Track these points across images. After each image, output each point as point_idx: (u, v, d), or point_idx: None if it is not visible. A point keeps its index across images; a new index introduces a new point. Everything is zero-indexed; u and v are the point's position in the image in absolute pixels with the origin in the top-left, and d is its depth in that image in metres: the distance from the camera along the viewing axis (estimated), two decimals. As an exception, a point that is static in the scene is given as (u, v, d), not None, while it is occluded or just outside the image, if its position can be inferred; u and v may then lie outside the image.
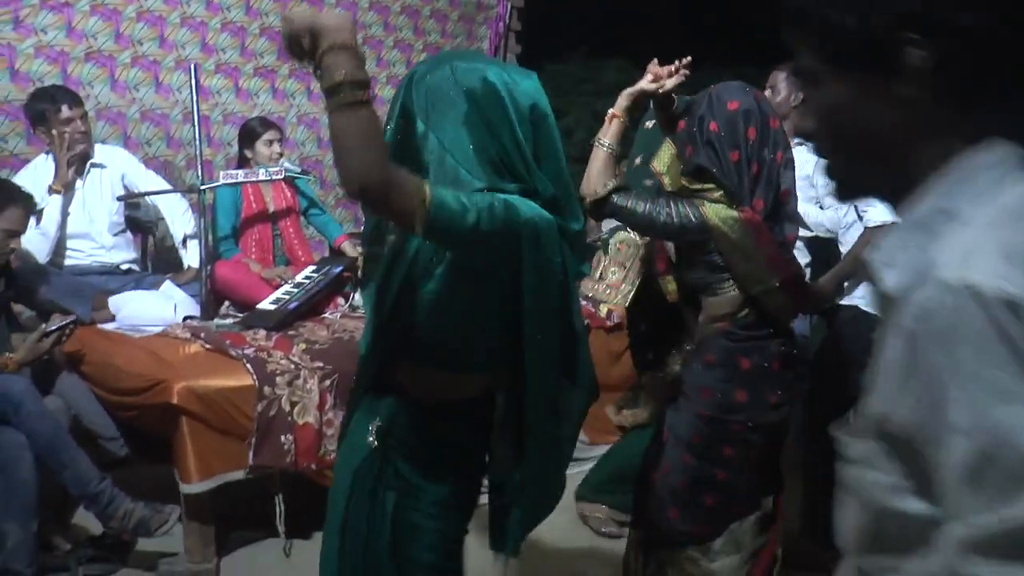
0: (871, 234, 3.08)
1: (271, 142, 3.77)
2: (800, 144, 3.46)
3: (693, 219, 2.25)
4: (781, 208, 2.38)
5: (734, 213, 2.25)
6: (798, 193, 3.20)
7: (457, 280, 1.69)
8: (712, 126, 2.27)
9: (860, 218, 3.21)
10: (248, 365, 3.09)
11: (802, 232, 3.40)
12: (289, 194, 3.81)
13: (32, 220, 3.19)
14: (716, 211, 2.25)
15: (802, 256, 3.40)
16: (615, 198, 2.30)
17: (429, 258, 1.68)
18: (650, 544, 2.53)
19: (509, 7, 5.91)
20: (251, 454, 3.02)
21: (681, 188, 2.34)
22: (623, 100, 2.38)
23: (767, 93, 3.46)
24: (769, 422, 2.39)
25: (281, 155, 3.81)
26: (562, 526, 3.09)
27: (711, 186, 2.28)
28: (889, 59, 0.86)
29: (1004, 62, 0.86)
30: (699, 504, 2.40)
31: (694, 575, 2.43)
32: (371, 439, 1.82)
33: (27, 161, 3.63)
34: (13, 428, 2.80)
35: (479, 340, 1.78)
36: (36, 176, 3.41)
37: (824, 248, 3.56)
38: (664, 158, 2.47)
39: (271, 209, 3.71)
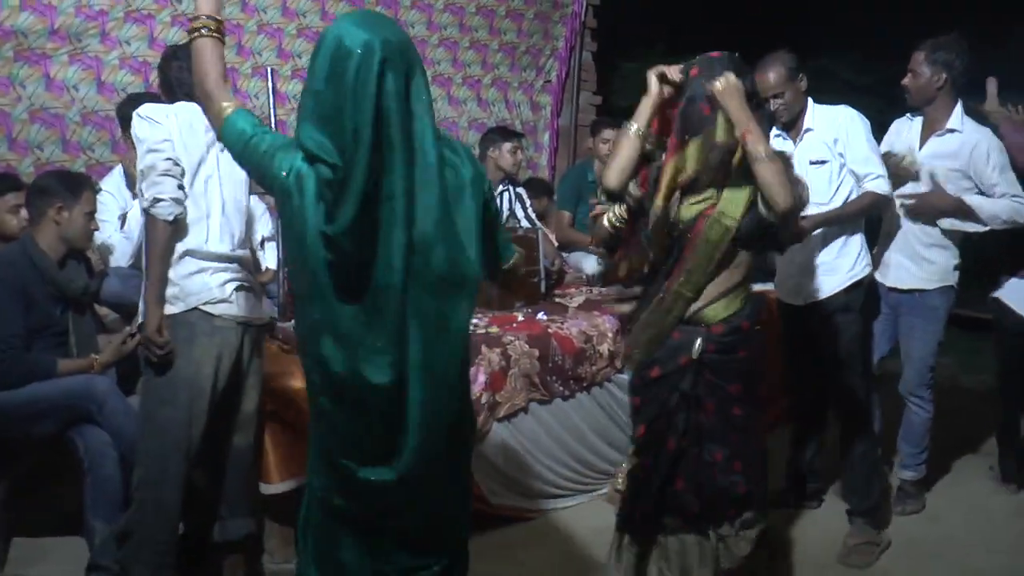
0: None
1: None
2: (950, 132, 3.43)
3: None
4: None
5: None
6: (948, 186, 3.38)
7: None
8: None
9: None
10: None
11: (969, 227, 3.43)
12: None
13: (116, 223, 3.23)
14: None
15: (951, 254, 3.47)
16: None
17: None
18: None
19: (585, 4, 5.83)
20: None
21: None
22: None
23: (907, 78, 3.45)
24: None
25: None
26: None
27: None
28: None
29: None
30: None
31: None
32: None
33: (111, 168, 3.69)
34: (98, 427, 2.85)
35: None
36: (120, 181, 3.46)
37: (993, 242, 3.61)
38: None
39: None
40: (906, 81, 3.47)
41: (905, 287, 3.51)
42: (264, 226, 3.85)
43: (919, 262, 3.47)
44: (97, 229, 3.09)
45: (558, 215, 4.85)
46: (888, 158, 3.35)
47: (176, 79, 2.77)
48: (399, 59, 1.71)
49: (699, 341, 2.46)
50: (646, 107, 2.47)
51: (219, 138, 1.90)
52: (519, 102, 5.75)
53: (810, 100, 3.25)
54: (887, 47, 4.82)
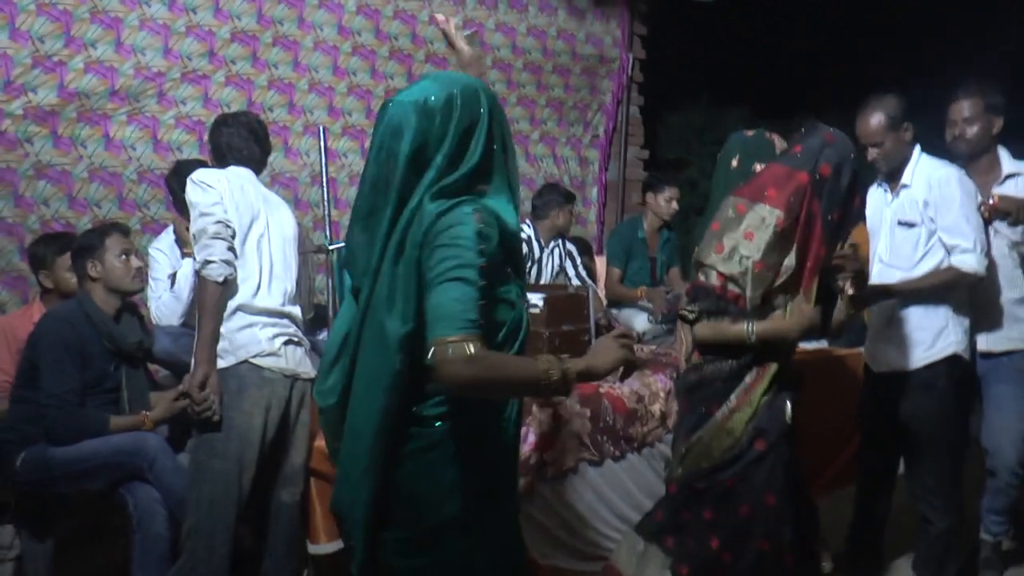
0: None
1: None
2: (1011, 178, 3.22)
3: None
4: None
5: None
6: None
7: None
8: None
9: None
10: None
11: None
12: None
13: (167, 282, 3.27)
14: None
15: None
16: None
17: None
18: None
19: (632, 59, 5.86)
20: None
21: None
22: None
23: (959, 128, 3.21)
24: None
25: None
26: None
27: None
28: None
29: None
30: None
31: None
32: None
33: (166, 226, 3.76)
34: (148, 484, 2.85)
35: None
36: (171, 241, 3.52)
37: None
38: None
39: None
40: (959, 132, 3.22)
41: (997, 350, 3.18)
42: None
43: (1009, 321, 3.17)
44: (141, 266, 3.13)
45: (609, 271, 4.82)
46: None
47: (227, 144, 2.89)
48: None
49: None
50: None
51: None
52: (567, 157, 5.77)
53: (918, 151, 3.05)
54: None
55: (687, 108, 8.26)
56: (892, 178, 3.07)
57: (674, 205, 4.72)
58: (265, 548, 2.84)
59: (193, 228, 2.67)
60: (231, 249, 2.66)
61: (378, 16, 4.73)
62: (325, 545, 2.94)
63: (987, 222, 3.04)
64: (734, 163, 2.65)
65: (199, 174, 2.72)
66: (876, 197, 3.17)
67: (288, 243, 2.90)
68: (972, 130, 3.20)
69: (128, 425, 2.96)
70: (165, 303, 3.25)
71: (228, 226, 2.67)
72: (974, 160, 3.23)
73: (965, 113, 3.21)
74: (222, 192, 2.68)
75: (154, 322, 3.29)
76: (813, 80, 9.05)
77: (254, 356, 2.69)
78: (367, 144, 4.61)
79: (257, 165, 2.95)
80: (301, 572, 2.90)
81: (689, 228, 6.94)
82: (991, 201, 3.06)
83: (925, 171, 3.00)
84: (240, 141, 2.90)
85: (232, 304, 2.69)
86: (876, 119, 2.98)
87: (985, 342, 3.19)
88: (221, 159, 2.90)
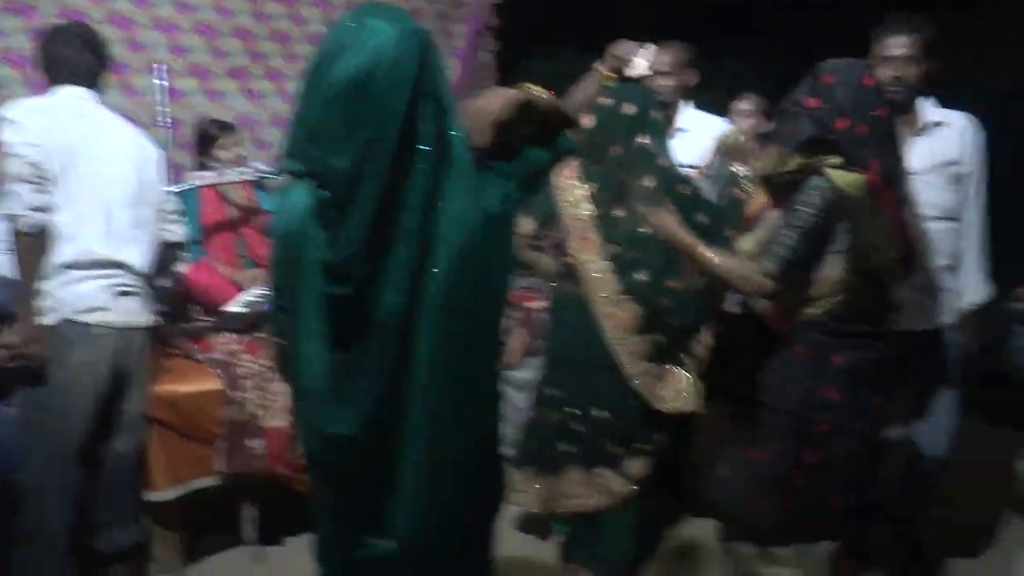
0: None
1: (232, 144, 3.69)
2: (936, 126, 2.84)
3: (826, 191, 2.19)
4: (901, 170, 2.33)
5: (858, 175, 2.20)
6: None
7: None
8: (812, 102, 2.25)
9: None
10: (216, 369, 3.04)
11: None
12: (252, 196, 3.72)
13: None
14: (840, 175, 2.20)
15: None
16: (771, 267, 2.24)
17: None
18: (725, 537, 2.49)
19: (488, 2, 5.83)
20: (222, 460, 2.97)
21: (799, 164, 2.27)
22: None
23: (898, 68, 2.69)
24: (860, 430, 2.28)
25: (244, 157, 3.74)
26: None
27: (826, 157, 2.24)
28: None
29: None
30: (771, 505, 2.31)
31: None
32: None
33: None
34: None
35: None
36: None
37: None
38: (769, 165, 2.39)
39: (234, 213, 3.63)
40: (899, 72, 2.69)
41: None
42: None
43: None
44: None
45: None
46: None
47: (61, 57, 2.67)
48: (432, 48, 1.52)
49: None
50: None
51: None
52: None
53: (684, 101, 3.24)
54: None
55: (550, 55, 8.25)
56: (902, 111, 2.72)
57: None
58: (100, 499, 2.80)
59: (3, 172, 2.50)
60: (44, 194, 2.50)
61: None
62: (164, 492, 2.93)
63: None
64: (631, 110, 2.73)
65: (11, 108, 2.53)
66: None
67: (127, 177, 2.71)
68: (912, 72, 2.71)
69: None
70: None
71: (41, 168, 2.49)
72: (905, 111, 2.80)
73: (905, 51, 2.70)
74: (38, 128, 2.50)
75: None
76: (690, 24, 9.21)
77: (81, 312, 2.59)
78: (212, 84, 4.54)
79: (94, 79, 2.75)
80: (138, 520, 2.88)
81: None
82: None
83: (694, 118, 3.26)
84: (73, 52, 2.68)
85: (57, 256, 2.54)
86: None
87: None
88: (54, 77, 2.69)
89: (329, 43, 1.50)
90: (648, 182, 2.69)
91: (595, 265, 2.69)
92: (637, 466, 2.74)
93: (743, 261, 2.33)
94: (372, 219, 1.45)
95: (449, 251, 1.52)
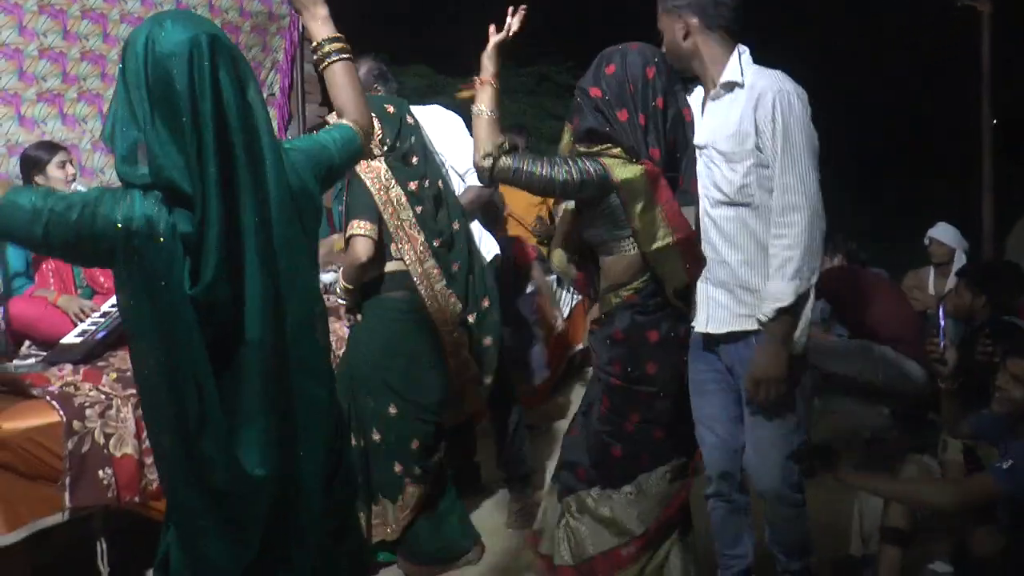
0: None
1: (63, 163, 3.54)
2: (727, 90, 2.45)
3: (594, 173, 2.31)
4: (676, 158, 2.45)
5: (637, 166, 2.33)
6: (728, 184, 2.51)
7: None
8: (595, 92, 2.38)
9: None
10: (53, 401, 2.90)
11: None
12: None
13: None
14: (615, 164, 2.33)
15: None
16: (504, 160, 2.33)
17: None
18: (562, 494, 2.62)
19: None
20: (67, 495, 2.84)
21: (578, 153, 2.40)
22: (488, 63, 2.45)
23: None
24: (676, 390, 2.52)
25: (75, 177, 3.59)
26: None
27: (607, 146, 2.36)
28: None
29: None
30: (607, 454, 2.52)
31: (596, 515, 2.53)
32: None
33: None
34: None
35: None
36: None
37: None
38: (566, 139, 2.53)
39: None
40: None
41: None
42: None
43: None
44: None
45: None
46: None
47: None
48: (227, 53, 1.57)
49: None
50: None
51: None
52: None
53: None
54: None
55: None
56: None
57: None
58: None
59: None
60: None
61: None
62: (5, 536, 2.76)
63: None
64: None
65: None
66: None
67: None
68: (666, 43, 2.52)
69: None
70: None
71: None
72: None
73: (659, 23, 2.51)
74: None
75: None
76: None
77: None
78: (23, 110, 4.28)
79: None
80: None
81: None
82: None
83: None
84: None
85: None
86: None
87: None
88: None
89: (134, 45, 1.53)
90: None
91: None
92: None
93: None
94: (222, 240, 1.45)
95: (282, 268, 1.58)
